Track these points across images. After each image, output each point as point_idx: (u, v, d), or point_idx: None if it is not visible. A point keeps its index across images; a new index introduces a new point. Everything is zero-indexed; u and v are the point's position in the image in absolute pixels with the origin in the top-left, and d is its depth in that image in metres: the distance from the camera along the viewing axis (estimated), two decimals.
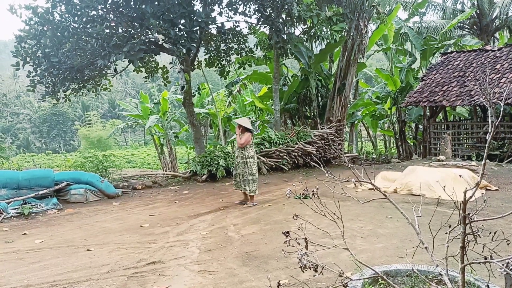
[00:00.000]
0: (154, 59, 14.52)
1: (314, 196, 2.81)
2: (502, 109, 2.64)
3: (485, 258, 2.46)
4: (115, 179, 12.00)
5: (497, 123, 2.46)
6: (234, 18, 14.97)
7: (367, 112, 21.80)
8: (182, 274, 4.62)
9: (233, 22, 14.45)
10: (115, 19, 11.15)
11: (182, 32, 11.25)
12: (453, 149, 14.60)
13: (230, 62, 15.78)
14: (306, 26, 15.06)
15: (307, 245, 2.82)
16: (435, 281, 3.08)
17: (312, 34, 14.57)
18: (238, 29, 14.52)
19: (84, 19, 10.75)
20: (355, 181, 2.89)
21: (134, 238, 6.28)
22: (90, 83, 13.21)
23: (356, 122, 22.98)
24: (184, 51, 11.69)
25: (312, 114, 17.39)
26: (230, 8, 13.36)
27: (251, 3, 13.32)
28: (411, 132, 22.22)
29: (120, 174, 13.37)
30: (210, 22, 11.59)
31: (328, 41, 14.99)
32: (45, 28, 10.80)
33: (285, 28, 13.64)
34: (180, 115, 26.00)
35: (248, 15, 13.70)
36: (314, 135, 14.30)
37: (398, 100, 19.10)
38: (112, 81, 14.71)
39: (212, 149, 13.14)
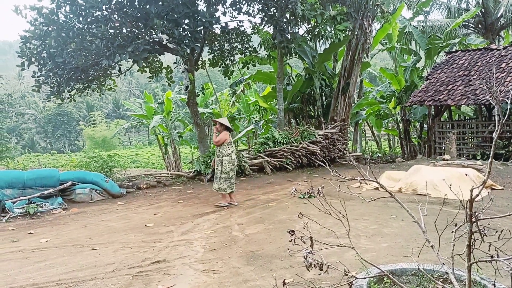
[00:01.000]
0: (158, 59, 14.55)
1: (320, 195, 2.80)
2: (508, 107, 2.62)
3: (492, 257, 2.45)
4: (119, 178, 12.04)
5: (503, 122, 2.44)
6: (238, 17, 15.02)
7: (372, 111, 21.74)
8: (187, 273, 4.63)
9: (237, 21, 14.53)
10: (119, 19, 11.18)
11: (186, 32, 11.27)
12: (458, 149, 14.53)
13: (234, 62, 15.78)
14: (310, 25, 15.03)
15: (313, 243, 2.82)
16: (441, 280, 3.07)
17: (316, 33, 14.53)
18: (242, 28, 14.53)
19: (88, 20, 10.79)
20: (361, 179, 2.88)
21: (138, 237, 6.30)
22: (94, 83, 13.25)
23: (360, 121, 22.91)
24: (188, 51, 11.71)
25: (316, 113, 17.36)
26: (234, 8, 13.37)
27: (255, 2, 13.32)
28: (416, 131, 22.14)
29: (125, 173, 13.41)
30: (214, 21, 11.61)
31: (332, 40, 14.94)
32: (50, 29, 10.84)
33: (289, 27, 13.61)
34: (184, 115, 26.03)
35: (252, 15, 13.70)
36: (318, 135, 14.28)
37: (402, 99, 19.03)
38: (117, 81, 14.75)
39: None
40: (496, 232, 2.70)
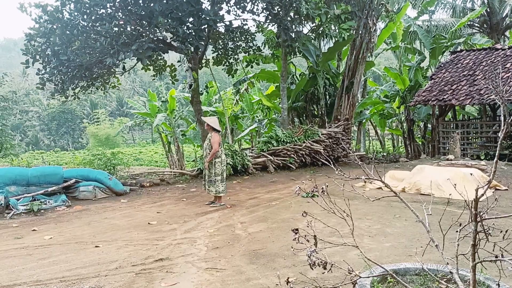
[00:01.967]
0: (162, 57, 14.56)
1: (324, 193, 2.80)
2: None
3: (496, 257, 2.44)
4: (123, 176, 12.06)
5: (509, 121, 2.41)
6: (242, 16, 14.98)
7: (375, 111, 21.70)
8: (190, 271, 4.63)
9: (241, 20, 14.49)
10: (123, 17, 11.19)
11: (190, 30, 11.26)
12: (462, 148, 14.48)
13: (238, 61, 15.78)
14: (314, 24, 15.01)
15: (316, 242, 2.82)
16: (445, 279, 3.06)
17: (320, 32, 14.51)
18: (246, 27, 14.51)
19: (93, 17, 10.81)
20: (365, 178, 2.87)
21: (142, 235, 6.31)
22: (98, 81, 13.28)
23: (364, 120, 22.89)
24: (192, 49, 11.70)
25: (320, 112, 17.34)
26: (238, 6, 13.36)
27: (259, 1, 13.30)
28: (420, 131, 22.08)
29: (128, 171, 13.43)
30: (218, 20, 11.59)
31: (336, 39, 14.92)
32: (54, 26, 10.86)
33: (293, 26, 13.59)
34: (188, 113, 26.07)
35: (256, 13, 13.68)
36: (322, 134, 14.27)
37: (406, 99, 18.98)
38: (120, 79, 14.77)
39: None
40: (501, 232, 2.69)
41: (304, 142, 13.68)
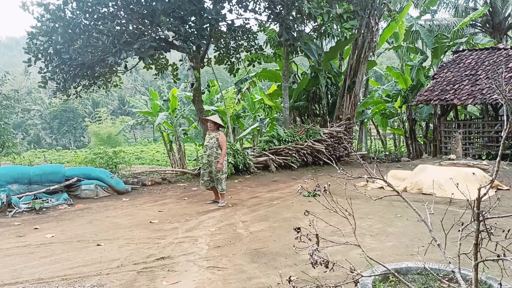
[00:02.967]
0: (164, 56, 14.56)
1: (326, 192, 2.80)
2: None
3: (498, 256, 2.43)
4: (124, 175, 12.08)
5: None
6: (244, 15, 14.93)
7: (377, 110, 21.66)
8: (191, 270, 4.63)
9: (243, 19, 14.44)
10: (125, 16, 11.20)
11: (192, 29, 11.27)
12: (464, 148, 14.46)
13: (240, 60, 15.76)
14: (316, 23, 14.99)
15: (319, 241, 2.82)
16: (447, 279, 3.05)
17: (322, 31, 14.49)
18: (248, 26, 14.50)
19: (95, 16, 10.82)
20: (368, 177, 2.87)
21: (143, 234, 6.32)
22: (100, 79, 13.29)
23: (365, 120, 22.84)
24: (194, 48, 11.71)
25: (322, 112, 17.32)
26: (240, 5, 13.35)
27: (261, 0, 13.29)
28: (421, 130, 22.04)
29: (130, 170, 13.45)
30: (220, 19, 11.60)
31: (338, 38, 14.90)
32: (56, 25, 10.87)
33: (295, 25, 13.57)
34: (189, 112, 26.07)
35: (258, 13, 13.67)
36: (324, 133, 14.26)
37: (408, 98, 18.94)
38: (122, 78, 14.79)
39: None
40: (503, 231, 2.68)
41: (305, 142, 13.67)
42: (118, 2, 11.00)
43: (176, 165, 22.66)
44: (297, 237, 2.76)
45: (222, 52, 15.23)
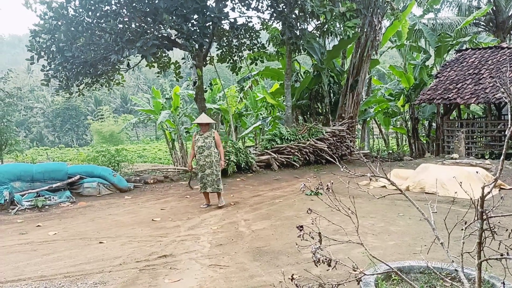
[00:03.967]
0: (166, 54, 14.57)
1: (329, 191, 2.79)
2: None
3: (501, 255, 2.42)
4: (127, 173, 12.09)
5: None
6: (246, 13, 14.92)
7: (380, 109, 21.63)
8: (193, 268, 4.64)
9: (246, 17, 14.45)
10: (128, 14, 11.21)
11: (194, 28, 11.26)
12: (466, 147, 14.42)
13: (242, 58, 15.76)
14: (319, 22, 14.96)
15: (321, 239, 2.81)
16: (449, 278, 3.04)
17: (325, 30, 14.47)
18: (250, 24, 14.49)
19: (98, 14, 10.83)
20: (371, 176, 2.86)
21: (146, 232, 6.32)
22: (103, 77, 13.31)
23: (368, 119, 22.80)
24: (197, 46, 11.70)
25: (324, 110, 17.30)
26: (242, 4, 13.34)
27: None
28: (424, 129, 21.98)
29: (132, 168, 13.46)
30: (222, 17, 11.59)
31: (341, 37, 14.88)
32: (59, 23, 10.89)
33: (298, 23, 13.56)
34: (192, 111, 26.04)
35: (261, 11, 13.65)
36: (326, 132, 14.23)
37: (411, 97, 18.90)
38: (125, 76, 14.80)
39: (223, 145, 13.14)
40: (506, 230, 2.67)
41: (308, 140, 13.66)
42: (121, 0, 11.00)
43: (178, 163, 22.66)
44: (300, 235, 2.75)
45: (224, 50, 15.22)
